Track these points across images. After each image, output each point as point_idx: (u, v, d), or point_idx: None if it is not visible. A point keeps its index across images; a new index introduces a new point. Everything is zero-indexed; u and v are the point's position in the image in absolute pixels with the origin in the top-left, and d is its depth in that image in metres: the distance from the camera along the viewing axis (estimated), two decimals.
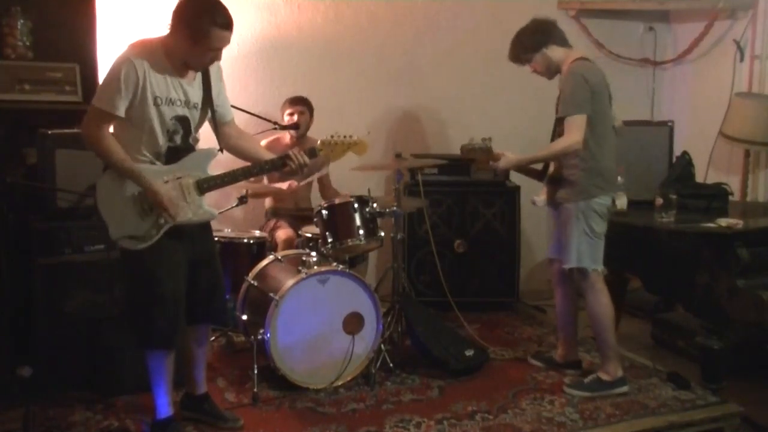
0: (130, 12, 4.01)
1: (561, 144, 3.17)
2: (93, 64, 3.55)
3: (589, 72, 3.18)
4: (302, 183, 4.16)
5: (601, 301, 3.27)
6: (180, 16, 2.52)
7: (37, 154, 3.34)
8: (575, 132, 3.12)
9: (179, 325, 2.72)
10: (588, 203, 3.20)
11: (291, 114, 4.23)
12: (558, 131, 3.26)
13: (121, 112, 2.51)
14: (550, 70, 3.32)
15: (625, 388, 3.29)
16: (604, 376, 3.30)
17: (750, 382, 3.51)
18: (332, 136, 2.88)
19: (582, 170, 3.20)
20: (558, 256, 3.41)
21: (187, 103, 2.65)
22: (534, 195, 3.68)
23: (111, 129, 2.60)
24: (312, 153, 2.84)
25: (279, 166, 2.82)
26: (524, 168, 3.47)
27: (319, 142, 2.88)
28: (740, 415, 3.17)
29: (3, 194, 3.27)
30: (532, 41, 3.28)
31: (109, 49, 3.63)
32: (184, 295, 2.72)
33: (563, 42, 3.30)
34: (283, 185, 4.15)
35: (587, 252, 3.22)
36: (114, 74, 2.50)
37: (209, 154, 2.75)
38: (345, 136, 2.89)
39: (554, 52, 3.27)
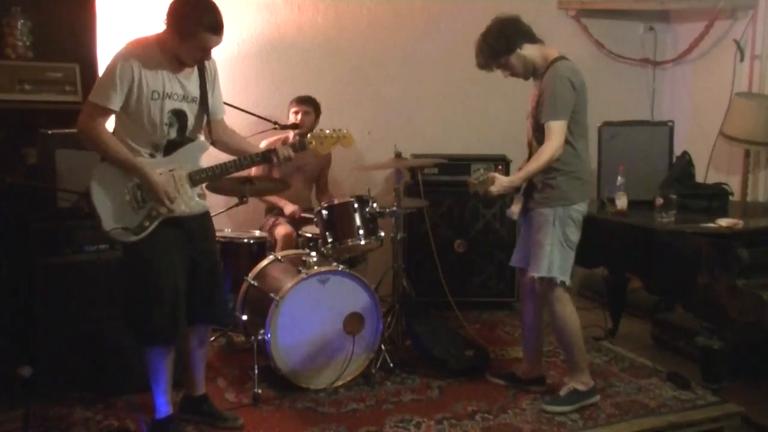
0: (130, 12, 4.01)
1: (547, 152, 2.99)
2: (93, 64, 3.54)
3: (574, 75, 3.04)
4: (302, 215, 4.18)
5: (568, 312, 3.12)
6: (170, 14, 2.58)
7: (37, 154, 3.34)
8: (557, 137, 2.98)
9: (179, 321, 2.72)
10: (566, 210, 3.05)
11: (296, 113, 4.25)
12: (536, 135, 3.11)
13: (116, 106, 2.57)
14: (527, 71, 3.12)
15: (597, 398, 3.20)
16: (580, 387, 3.18)
17: (750, 382, 3.51)
18: (321, 130, 2.96)
19: (562, 174, 3.05)
20: (526, 265, 3.21)
21: (185, 97, 2.69)
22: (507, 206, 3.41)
23: (112, 126, 2.66)
24: (302, 145, 2.89)
25: (267, 159, 2.86)
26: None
27: (309, 135, 2.95)
28: (740, 415, 3.17)
29: (3, 194, 3.27)
30: (504, 43, 3.06)
31: (109, 49, 3.61)
32: (184, 292, 2.73)
33: (534, 38, 3.10)
34: (286, 209, 4.18)
35: (558, 262, 3.05)
36: (109, 71, 2.57)
37: (201, 147, 2.79)
38: (333, 130, 2.96)
39: (529, 51, 3.07)
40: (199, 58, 2.66)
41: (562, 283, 3.10)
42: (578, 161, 3.09)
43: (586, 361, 3.26)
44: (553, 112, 3.00)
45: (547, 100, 3.01)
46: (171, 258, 2.68)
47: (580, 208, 3.11)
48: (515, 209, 3.21)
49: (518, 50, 3.06)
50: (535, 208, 3.12)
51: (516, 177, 3.09)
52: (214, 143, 2.89)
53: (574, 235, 3.10)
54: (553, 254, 3.06)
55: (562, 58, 3.09)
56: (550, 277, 3.07)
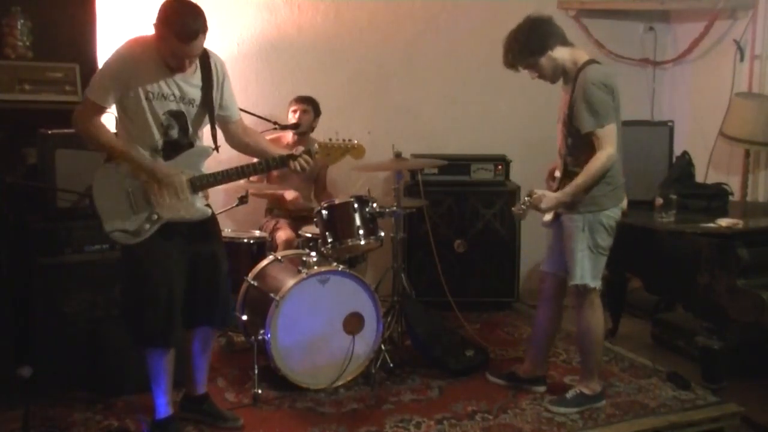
0: (130, 12, 4.01)
1: (599, 162, 2.89)
2: (93, 64, 3.54)
3: (607, 78, 2.94)
4: (301, 205, 4.16)
5: (597, 319, 3.10)
6: (156, 16, 2.55)
7: (37, 154, 3.34)
8: (609, 144, 2.89)
9: (174, 324, 2.71)
10: (596, 216, 2.99)
11: (294, 111, 4.24)
12: (566, 142, 3.04)
13: (108, 104, 2.59)
14: (556, 74, 3.02)
15: (603, 403, 3.19)
16: (587, 391, 3.17)
17: (750, 382, 3.51)
18: (330, 139, 2.88)
19: None
20: (556, 270, 3.22)
21: (182, 98, 2.66)
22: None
23: (114, 128, 2.69)
24: (308, 154, 2.82)
25: (275, 166, 2.84)
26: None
27: (316, 145, 2.87)
28: (740, 415, 3.17)
29: (3, 194, 3.27)
30: (537, 43, 2.95)
31: (109, 49, 3.61)
32: (181, 294, 2.72)
33: (566, 41, 3.02)
34: (287, 195, 4.14)
35: (589, 268, 3.02)
36: (105, 69, 2.60)
37: (203, 153, 2.77)
38: (343, 140, 2.88)
39: (560, 53, 2.98)
40: (175, 65, 2.57)
41: (594, 288, 3.07)
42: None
43: (599, 367, 3.25)
44: (596, 118, 2.89)
45: (584, 108, 2.90)
46: (168, 261, 2.67)
47: (612, 214, 3.03)
48: (548, 217, 3.13)
49: (550, 52, 2.96)
50: (565, 213, 3.07)
51: (565, 192, 2.98)
52: (233, 146, 2.89)
53: (605, 241, 3.04)
54: (584, 261, 3.02)
55: (592, 61, 3.00)
56: (583, 284, 3.04)
